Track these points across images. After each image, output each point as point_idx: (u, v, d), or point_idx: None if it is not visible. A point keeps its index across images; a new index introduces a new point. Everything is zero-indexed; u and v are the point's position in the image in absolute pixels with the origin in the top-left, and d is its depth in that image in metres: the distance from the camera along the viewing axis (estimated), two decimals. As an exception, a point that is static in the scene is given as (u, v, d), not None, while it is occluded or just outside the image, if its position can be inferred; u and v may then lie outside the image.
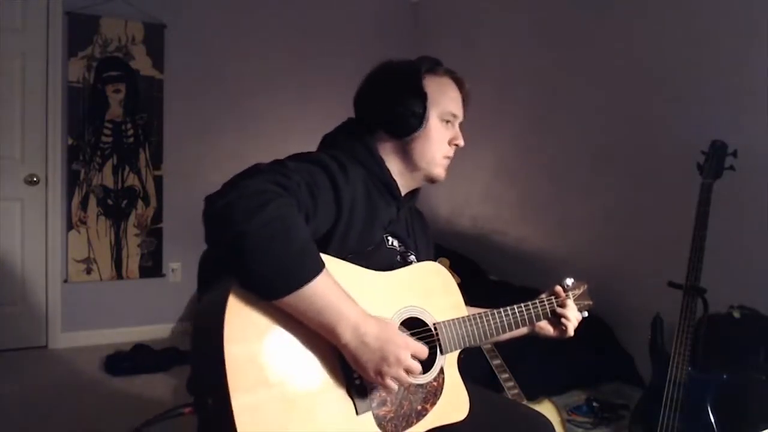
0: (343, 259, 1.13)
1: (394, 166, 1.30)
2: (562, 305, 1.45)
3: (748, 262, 2.31)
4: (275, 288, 0.97)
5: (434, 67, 1.32)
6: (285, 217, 0.97)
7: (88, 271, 3.53)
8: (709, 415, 1.92)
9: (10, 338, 3.34)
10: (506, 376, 2.07)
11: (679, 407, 1.95)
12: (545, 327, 1.46)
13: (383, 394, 1.13)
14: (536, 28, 3.40)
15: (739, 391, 1.98)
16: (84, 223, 3.50)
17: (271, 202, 0.96)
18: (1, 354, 3.26)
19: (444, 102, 1.30)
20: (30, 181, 3.36)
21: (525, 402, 2.01)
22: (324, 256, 1.05)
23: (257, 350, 0.98)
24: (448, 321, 1.25)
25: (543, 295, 1.47)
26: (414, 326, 1.21)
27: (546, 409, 2.08)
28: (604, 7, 2.97)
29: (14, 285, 3.38)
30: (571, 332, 1.45)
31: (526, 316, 1.40)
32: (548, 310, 1.45)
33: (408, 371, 1.07)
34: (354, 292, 1.06)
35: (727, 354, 2.05)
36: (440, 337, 1.23)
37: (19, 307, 3.39)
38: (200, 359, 1.01)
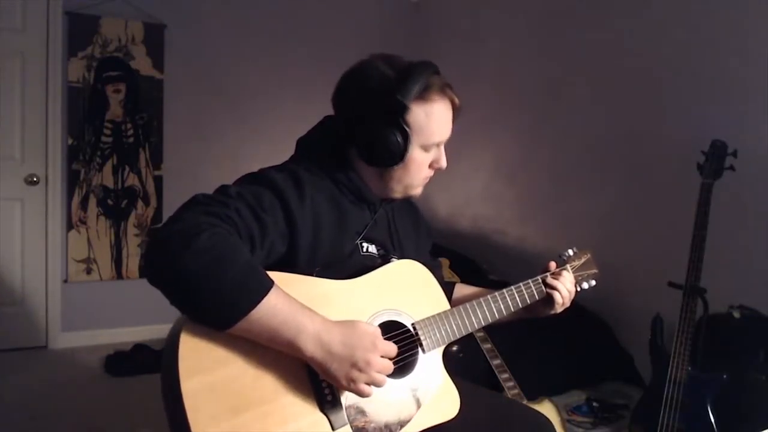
0: (311, 273, 1.10)
1: (369, 178, 1.24)
2: (555, 277, 1.38)
3: (748, 262, 2.31)
4: (222, 318, 0.95)
5: (425, 91, 1.17)
6: (216, 246, 0.94)
7: (88, 271, 3.53)
8: (709, 415, 1.92)
9: (10, 338, 3.34)
10: (506, 376, 2.08)
11: (679, 407, 1.95)
12: (535, 306, 1.38)
13: (360, 404, 1.09)
14: (536, 27, 3.39)
15: (739, 391, 1.98)
16: (84, 223, 3.50)
17: (202, 234, 0.94)
18: (1, 354, 3.25)
19: (429, 132, 1.19)
20: (30, 181, 3.36)
21: (525, 402, 2.01)
22: (283, 275, 1.03)
23: (216, 381, 0.95)
24: (428, 318, 1.22)
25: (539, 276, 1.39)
26: (392, 329, 1.17)
27: (546, 409, 2.08)
28: (604, 7, 2.97)
29: (14, 285, 3.38)
30: (559, 305, 1.37)
31: (518, 299, 1.33)
32: (543, 288, 1.37)
33: (380, 372, 1.04)
34: (320, 306, 1.04)
35: (727, 354, 2.05)
36: (420, 336, 1.19)
37: (19, 307, 3.39)
38: (165, 397, 0.97)
